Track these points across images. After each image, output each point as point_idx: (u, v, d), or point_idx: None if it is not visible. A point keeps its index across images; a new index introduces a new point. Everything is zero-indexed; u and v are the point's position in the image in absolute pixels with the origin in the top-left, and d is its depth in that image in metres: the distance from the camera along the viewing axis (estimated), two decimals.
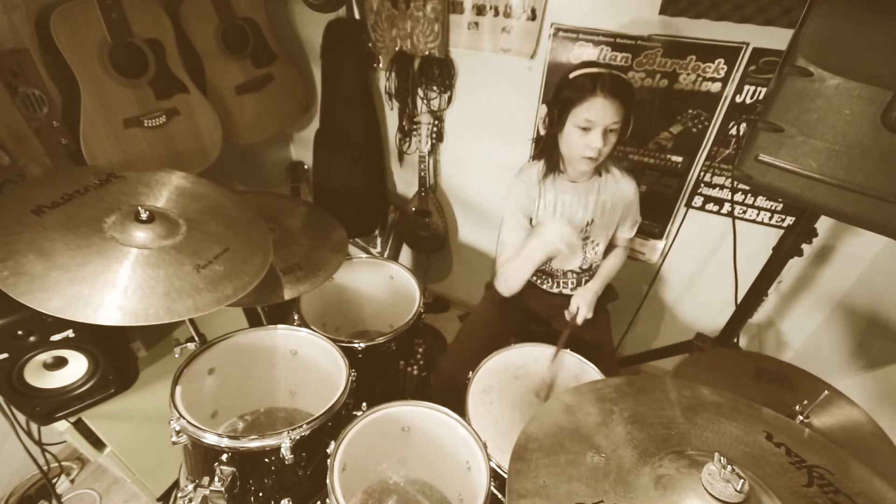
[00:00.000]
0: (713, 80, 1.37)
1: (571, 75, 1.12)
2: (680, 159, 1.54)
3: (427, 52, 1.72)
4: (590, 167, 1.20)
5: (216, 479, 0.93)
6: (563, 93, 1.13)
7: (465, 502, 1.08)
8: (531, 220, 1.31)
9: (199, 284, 0.89)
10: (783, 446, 0.71)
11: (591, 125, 1.10)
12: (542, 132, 1.21)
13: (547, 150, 1.25)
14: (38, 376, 1.05)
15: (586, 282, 1.42)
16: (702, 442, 0.71)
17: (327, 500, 0.88)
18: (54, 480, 1.57)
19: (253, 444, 0.95)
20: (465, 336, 1.45)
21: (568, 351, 1.22)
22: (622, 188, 1.31)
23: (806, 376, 1.10)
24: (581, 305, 1.30)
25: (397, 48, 1.78)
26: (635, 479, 0.64)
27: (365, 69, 1.87)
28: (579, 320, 1.29)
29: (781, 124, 0.90)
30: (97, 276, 0.82)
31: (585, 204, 1.30)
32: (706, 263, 1.71)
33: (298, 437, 0.96)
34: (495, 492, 0.92)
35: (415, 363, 1.42)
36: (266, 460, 0.98)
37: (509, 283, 1.33)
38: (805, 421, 0.93)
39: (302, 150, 2.36)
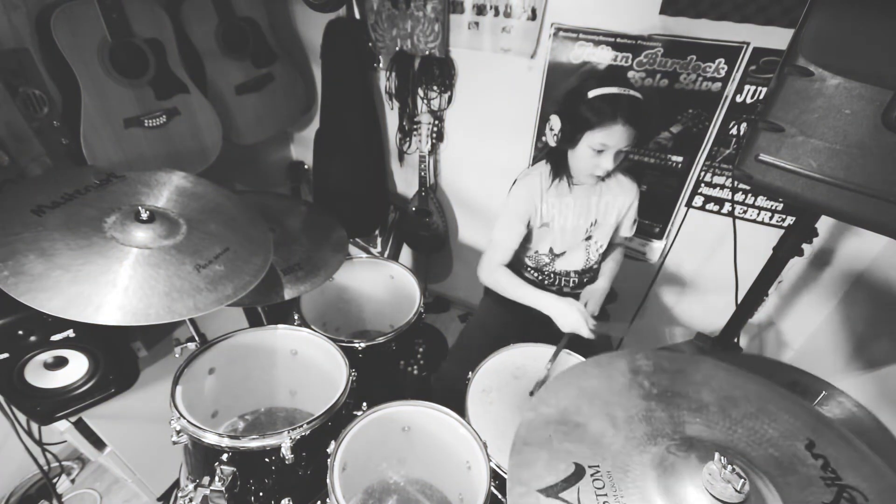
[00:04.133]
0: (713, 79, 1.37)
1: (590, 94, 1.08)
2: (680, 159, 1.54)
3: (427, 52, 1.72)
4: (595, 182, 1.24)
5: (216, 478, 0.93)
6: (579, 112, 1.10)
7: (466, 502, 1.08)
8: (529, 224, 1.31)
9: (199, 284, 0.89)
10: (822, 458, 0.65)
11: (606, 149, 1.12)
12: (553, 144, 1.19)
13: (554, 160, 1.26)
14: (39, 376, 1.05)
15: (587, 282, 1.42)
16: (726, 436, 0.68)
17: (327, 500, 0.88)
18: (55, 480, 1.57)
19: (253, 443, 0.95)
20: (466, 340, 1.45)
21: (567, 351, 1.22)
22: (624, 189, 1.32)
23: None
24: (589, 303, 1.33)
25: (397, 48, 1.77)
26: (639, 455, 0.64)
27: (365, 69, 1.87)
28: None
29: (782, 124, 0.90)
30: (98, 275, 0.82)
31: (588, 206, 1.30)
32: (706, 263, 1.71)
33: (299, 437, 0.96)
34: (495, 492, 0.93)
35: (415, 363, 1.43)
36: (266, 460, 0.98)
37: (493, 287, 1.36)
38: None
39: (302, 150, 2.36)
